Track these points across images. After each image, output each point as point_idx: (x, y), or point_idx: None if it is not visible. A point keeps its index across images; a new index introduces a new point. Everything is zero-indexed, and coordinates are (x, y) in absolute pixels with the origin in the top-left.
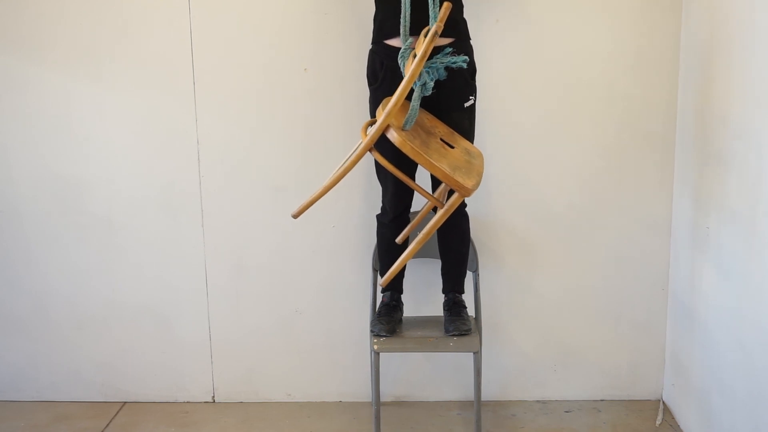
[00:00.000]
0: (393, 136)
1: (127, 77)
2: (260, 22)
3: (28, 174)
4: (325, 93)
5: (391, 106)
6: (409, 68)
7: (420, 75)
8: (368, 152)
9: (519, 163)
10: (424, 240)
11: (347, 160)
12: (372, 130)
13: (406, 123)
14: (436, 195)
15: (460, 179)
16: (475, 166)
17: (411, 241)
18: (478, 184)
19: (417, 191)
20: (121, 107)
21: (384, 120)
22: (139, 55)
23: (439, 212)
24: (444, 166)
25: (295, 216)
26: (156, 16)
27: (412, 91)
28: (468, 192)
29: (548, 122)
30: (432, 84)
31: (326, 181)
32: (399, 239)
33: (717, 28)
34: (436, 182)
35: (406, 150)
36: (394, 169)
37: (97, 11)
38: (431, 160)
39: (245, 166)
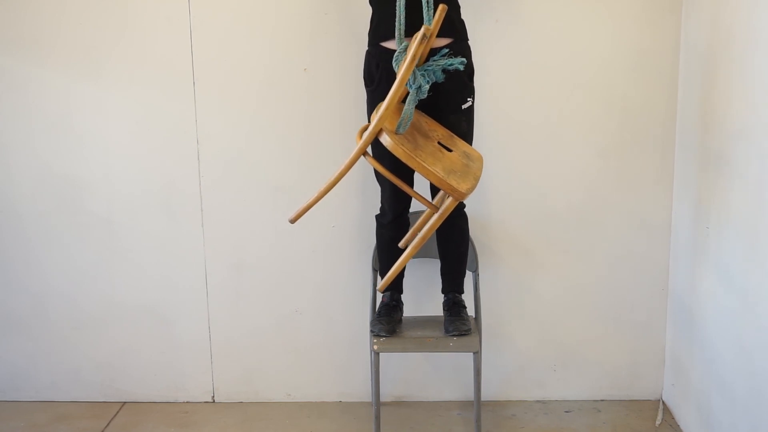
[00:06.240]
0: (386, 140)
1: (127, 77)
2: (260, 22)
3: (28, 174)
4: (325, 93)
5: (383, 110)
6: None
7: (414, 78)
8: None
9: (519, 164)
10: (420, 244)
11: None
12: (365, 135)
13: (399, 126)
14: (436, 199)
15: (453, 183)
16: (472, 169)
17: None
18: (473, 187)
19: (413, 196)
20: (121, 107)
21: (376, 125)
22: (139, 54)
23: (435, 216)
24: (438, 170)
25: (292, 221)
26: (156, 16)
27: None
28: (462, 196)
29: (548, 122)
30: (427, 87)
31: (322, 187)
32: (402, 243)
33: (717, 28)
34: (435, 185)
35: (399, 154)
36: (389, 173)
37: (97, 11)
38: (424, 164)
39: (245, 166)
